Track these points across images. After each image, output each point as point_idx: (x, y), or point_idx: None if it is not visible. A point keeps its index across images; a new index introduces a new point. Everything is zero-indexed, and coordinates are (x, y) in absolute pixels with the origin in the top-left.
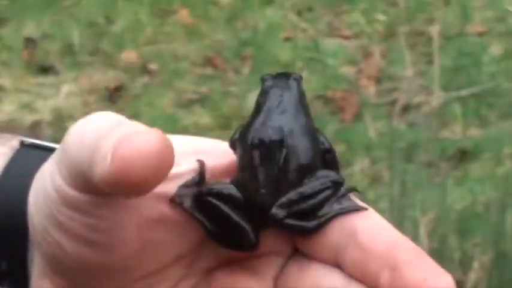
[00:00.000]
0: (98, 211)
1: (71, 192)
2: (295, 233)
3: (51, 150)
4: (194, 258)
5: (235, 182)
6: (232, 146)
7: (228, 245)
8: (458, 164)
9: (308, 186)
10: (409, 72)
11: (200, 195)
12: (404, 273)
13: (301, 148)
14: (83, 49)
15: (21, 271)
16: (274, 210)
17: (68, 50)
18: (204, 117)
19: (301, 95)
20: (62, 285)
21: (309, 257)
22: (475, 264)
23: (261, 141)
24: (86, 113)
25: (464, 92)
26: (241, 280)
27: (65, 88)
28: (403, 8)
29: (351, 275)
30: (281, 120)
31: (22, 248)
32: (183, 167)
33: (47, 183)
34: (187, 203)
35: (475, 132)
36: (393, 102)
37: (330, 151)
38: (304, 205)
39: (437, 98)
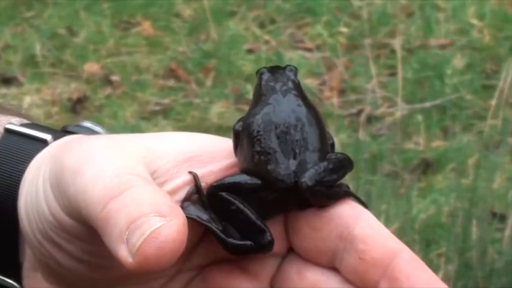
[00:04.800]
0: (97, 238)
1: (70, 221)
2: (324, 200)
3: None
4: (189, 254)
5: (245, 171)
6: (236, 136)
7: (243, 251)
8: (422, 175)
9: (329, 162)
10: (372, 84)
11: (212, 191)
12: (404, 287)
13: (314, 132)
14: (45, 60)
15: (11, 255)
16: (304, 179)
17: (30, 61)
18: (167, 128)
19: (299, 84)
20: (54, 282)
21: (304, 258)
22: (440, 274)
23: (277, 125)
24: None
25: (427, 104)
26: (238, 280)
27: (28, 99)
28: (366, 20)
29: (348, 280)
30: (291, 107)
31: (12, 234)
32: (178, 180)
33: (41, 202)
34: (193, 212)
35: (438, 143)
36: (357, 114)
37: (333, 145)
38: (330, 177)
39: (400, 109)
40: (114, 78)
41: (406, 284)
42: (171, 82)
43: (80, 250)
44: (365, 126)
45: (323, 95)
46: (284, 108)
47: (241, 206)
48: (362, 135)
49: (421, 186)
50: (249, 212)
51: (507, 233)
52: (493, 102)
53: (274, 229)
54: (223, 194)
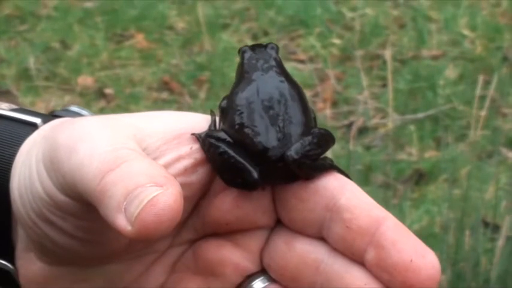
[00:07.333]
0: (91, 214)
1: (64, 198)
2: (310, 172)
3: (30, 124)
4: (179, 229)
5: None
6: (222, 113)
7: (234, 184)
8: (415, 186)
9: (314, 136)
10: (365, 95)
11: (205, 137)
12: (391, 253)
13: (297, 106)
14: (39, 74)
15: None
16: (290, 153)
17: (24, 74)
18: None
19: (281, 61)
20: (48, 261)
21: (292, 230)
22: None
23: (261, 101)
24: None
25: (420, 115)
26: (228, 253)
27: None
28: (358, 31)
29: (336, 249)
30: (274, 83)
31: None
32: (168, 157)
33: (35, 182)
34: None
35: (431, 154)
36: (349, 125)
37: (315, 119)
38: (316, 151)
39: (392, 120)
40: (108, 91)
41: (393, 251)
42: (165, 95)
43: (73, 227)
44: (358, 138)
45: (316, 107)
46: (267, 84)
47: (229, 150)
48: (354, 146)
49: (414, 196)
50: (236, 155)
51: (500, 243)
52: (483, 112)
53: (262, 202)
54: (213, 140)
